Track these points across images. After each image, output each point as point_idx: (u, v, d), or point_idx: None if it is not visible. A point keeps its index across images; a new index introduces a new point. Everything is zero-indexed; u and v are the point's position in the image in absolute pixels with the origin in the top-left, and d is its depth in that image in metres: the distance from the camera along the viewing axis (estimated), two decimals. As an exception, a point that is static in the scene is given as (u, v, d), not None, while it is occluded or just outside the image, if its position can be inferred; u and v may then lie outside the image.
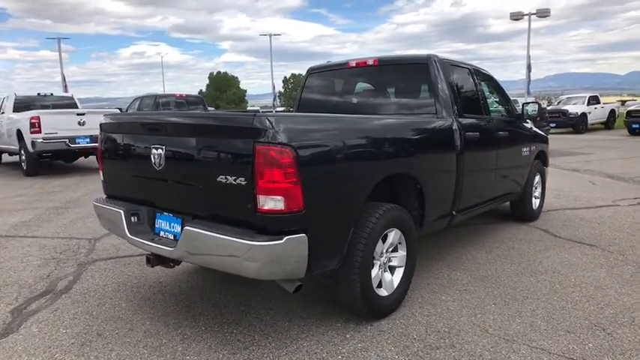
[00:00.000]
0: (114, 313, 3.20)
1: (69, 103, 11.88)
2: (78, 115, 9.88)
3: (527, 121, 5.32)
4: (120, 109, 12.61)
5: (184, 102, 13.52)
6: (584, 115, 19.98)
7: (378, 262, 3.00)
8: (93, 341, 2.80)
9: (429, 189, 3.40)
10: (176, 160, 2.71)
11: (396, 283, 3.15)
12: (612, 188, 7.69)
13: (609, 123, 21.84)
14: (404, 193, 3.34)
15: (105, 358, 2.61)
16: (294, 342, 2.78)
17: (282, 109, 39.86)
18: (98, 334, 2.90)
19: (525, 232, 5.15)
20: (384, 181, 2.97)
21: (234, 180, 2.37)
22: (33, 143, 9.39)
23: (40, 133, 9.39)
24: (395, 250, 3.17)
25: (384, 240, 3.02)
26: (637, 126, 17.38)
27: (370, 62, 4.19)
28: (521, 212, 5.47)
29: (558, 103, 21.94)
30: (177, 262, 2.95)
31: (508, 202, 5.34)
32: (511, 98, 5.37)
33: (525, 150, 5.12)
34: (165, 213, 2.90)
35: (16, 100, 11.24)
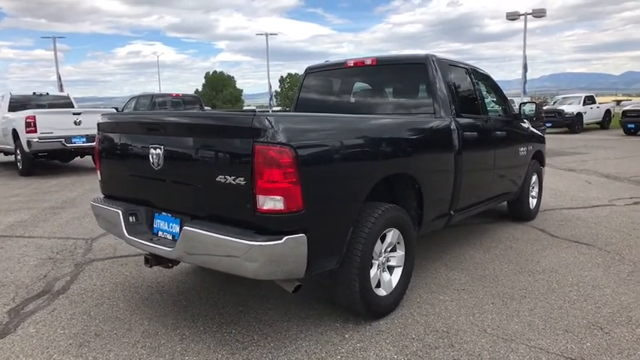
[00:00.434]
0: (112, 313, 3.19)
1: (65, 103, 11.82)
2: (74, 114, 9.83)
3: (525, 121, 5.34)
4: (116, 109, 12.56)
5: (181, 101, 13.48)
6: (579, 115, 20.06)
7: (377, 262, 3.00)
8: (91, 342, 2.79)
9: (428, 189, 3.41)
10: (174, 160, 2.70)
11: (394, 283, 3.16)
12: (608, 188, 7.73)
13: (605, 123, 21.94)
14: (402, 193, 3.34)
15: (103, 359, 2.60)
16: (293, 342, 2.77)
17: (278, 108, 39.76)
18: (96, 334, 2.88)
19: (522, 231, 5.16)
20: (383, 180, 2.98)
21: (234, 180, 2.37)
22: (29, 143, 9.34)
23: (36, 132, 9.34)
24: (393, 249, 3.18)
25: (382, 240, 3.03)
26: (632, 126, 17.47)
27: (368, 62, 4.19)
28: (518, 212, 5.49)
29: (554, 103, 22.02)
30: (175, 262, 2.95)
31: (505, 202, 5.36)
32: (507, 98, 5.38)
33: (522, 150, 5.13)
34: (163, 213, 2.89)
35: (11, 99, 11.18)
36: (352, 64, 4.32)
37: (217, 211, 2.55)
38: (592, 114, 21.15)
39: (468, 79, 4.40)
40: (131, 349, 2.70)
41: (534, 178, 5.64)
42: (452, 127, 3.73)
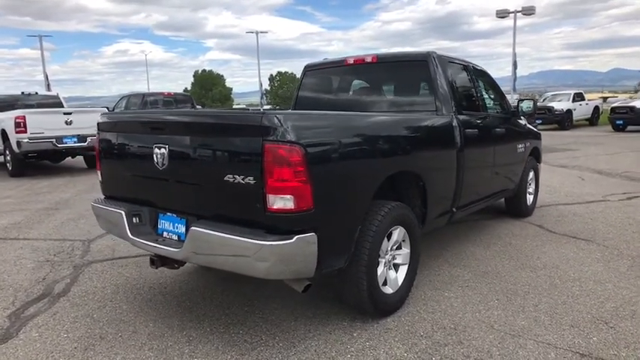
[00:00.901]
0: (115, 315, 3.14)
1: (54, 102, 11.65)
2: (65, 114, 9.70)
3: (522, 117, 5.37)
4: (107, 108, 12.41)
5: (172, 100, 13.36)
6: (569, 111, 20.28)
7: (383, 260, 3.00)
8: (96, 345, 2.75)
9: (432, 186, 3.41)
10: (180, 160, 2.66)
11: (400, 281, 3.16)
12: (601, 184, 7.81)
13: (593, 119, 22.20)
14: (406, 191, 3.34)
15: (110, 362, 2.56)
16: (302, 341, 2.76)
17: (268, 107, 39.62)
18: (101, 337, 2.84)
19: (521, 227, 5.20)
20: (387, 178, 2.97)
21: (243, 179, 2.34)
22: (18, 143, 9.19)
23: (26, 132, 9.19)
24: (399, 247, 3.17)
25: (388, 238, 3.02)
26: (621, 122, 17.69)
27: (368, 59, 4.18)
28: (515, 208, 5.53)
29: (544, 100, 22.23)
30: (181, 263, 2.91)
31: (502, 199, 5.39)
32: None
33: (520, 146, 5.17)
34: (168, 213, 2.85)
35: (-1, 99, 11.00)
36: (352, 62, 4.30)
37: (225, 210, 2.52)
38: (581, 111, 21.38)
39: (467, 75, 4.41)
40: (138, 351, 2.67)
41: (531, 174, 5.68)
42: (454, 124, 3.74)
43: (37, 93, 11.92)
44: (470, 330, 2.89)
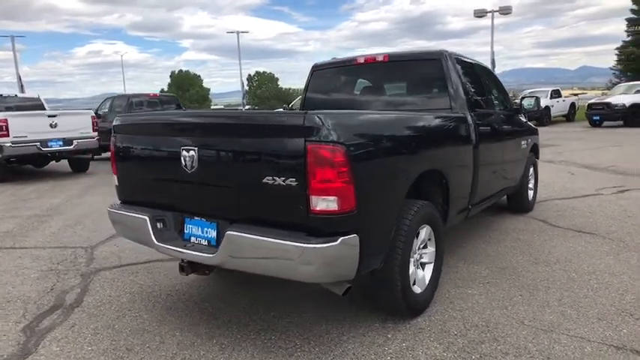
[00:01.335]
0: (137, 325, 3.03)
1: (35, 105, 11.27)
2: (49, 117, 9.38)
3: (523, 114, 5.44)
4: (96, 112, 12.06)
5: (158, 101, 13.10)
6: (547, 108, 20.74)
7: (412, 260, 2.98)
8: (124, 357, 2.64)
9: (453, 183, 3.41)
10: (211, 162, 2.58)
11: (427, 280, 3.14)
12: (590, 178, 8.00)
13: (570, 115, 22.78)
14: (429, 189, 3.32)
15: (144, 374, 2.47)
16: (338, 345, 2.71)
17: (248, 107, 39.18)
18: (128, 349, 2.73)
19: (525, 223, 5.27)
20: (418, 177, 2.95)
21: (284, 181, 2.28)
22: (1, 148, 8.84)
23: (8, 136, 8.84)
24: (425, 246, 3.16)
25: (417, 237, 3.00)
26: (598, 118, 18.19)
27: (380, 58, 4.16)
28: (518, 204, 5.60)
29: (522, 98, 22.66)
30: (212, 268, 2.82)
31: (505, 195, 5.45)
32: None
33: (524, 143, 5.24)
34: (196, 218, 2.76)
35: (-24, 102, 10.58)
36: (363, 61, 4.27)
37: (262, 213, 2.45)
38: (558, 107, 21.91)
39: (475, 73, 4.43)
40: (171, 362, 2.58)
41: (531, 170, 5.77)
42: (469, 121, 3.75)
43: (16, 95, 11.50)
44: (502, 327, 2.89)
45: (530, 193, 5.78)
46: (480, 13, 26.07)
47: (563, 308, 3.12)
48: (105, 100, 13.41)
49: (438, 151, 3.17)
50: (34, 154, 9.19)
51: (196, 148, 2.58)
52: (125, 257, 4.42)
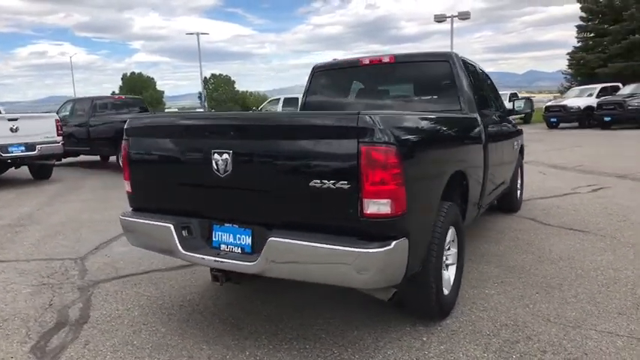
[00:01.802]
0: (158, 340, 2.85)
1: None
2: (9, 120, 8.78)
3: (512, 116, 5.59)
4: (66, 117, 11.43)
5: (123, 104, 12.56)
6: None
7: (443, 262, 2.97)
8: (154, 375, 2.47)
9: (472, 184, 3.44)
10: (249, 166, 2.46)
11: (452, 281, 3.14)
12: (563, 178, 8.34)
13: (527, 117, 23.76)
14: (455, 190, 3.33)
15: (181, 393, 2.31)
16: (377, 351, 2.65)
17: (201, 109, 38.28)
18: (155, 365, 2.56)
19: (517, 222, 5.40)
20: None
21: (333, 184, 2.20)
22: (-45, 154, 8.19)
23: (-35, 142, 8.21)
24: (449, 248, 3.16)
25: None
26: (555, 120, 19.10)
27: (386, 60, 4.14)
28: (508, 203, 5.74)
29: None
30: (247, 277, 2.67)
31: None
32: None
33: (516, 143, 5.38)
34: (227, 224, 2.62)
35: None
36: (368, 62, 4.24)
37: (306, 218, 2.36)
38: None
39: (477, 74, 4.50)
40: (207, 377, 2.43)
41: (518, 170, 5.93)
42: (479, 121, 3.80)
43: (-32, 98, 10.68)
44: (530, 325, 2.93)
45: (519, 192, 5.94)
46: (440, 18, 26.84)
47: (581, 304, 3.20)
48: (65, 103, 12.72)
49: (463, 152, 3.18)
50: (-6, 160, 8.58)
51: (231, 151, 2.45)
52: (122, 268, 4.17)
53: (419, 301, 2.83)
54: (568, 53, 28.20)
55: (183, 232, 2.69)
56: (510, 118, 5.46)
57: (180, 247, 2.64)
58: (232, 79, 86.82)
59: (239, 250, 2.57)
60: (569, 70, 29.08)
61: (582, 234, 4.84)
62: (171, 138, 2.76)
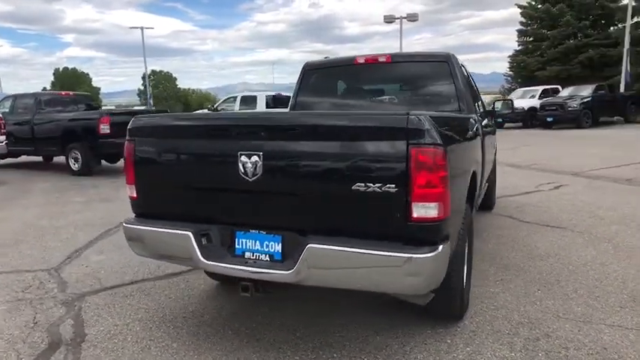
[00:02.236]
0: (171, 357, 2.64)
1: None
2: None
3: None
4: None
5: (71, 100, 11.71)
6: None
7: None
8: (179, 396, 2.28)
9: (478, 182, 3.47)
10: (282, 169, 2.32)
11: (465, 281, 3.15)
12: (522, 176, 8.74)
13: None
14: (469, 191, 3.35)
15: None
16: (406, 356, 2.61)
17: (142, 107, 36.59)
18: (177, 385, 2.36)
19: (495, 219, 5.56)
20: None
21: (379, 187, 2.12)
22: None
23: None
24: (463, 248, 3.17)
25: (461, 239, 3.00)
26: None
27: (383, 59, 4.11)
28: (486, 200, 5.87)
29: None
30: (280, 286, 2.51)
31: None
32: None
33: (495, 142, 5.54)
34: (252, 230, 2.46)
35: None
36: (363, 61, 4.19)
37: (345, 222, 2.26)
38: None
39: (466, 74, 4.58)
40: (239, 395, 2.27)
41: (495, 167, 6.13)
42: (477, 121, 3.85)
43: None
44: (544, 322, 2.99)
45: (494, 189, 6.14)
46: (389, 19, 27.42)
47: (584, 299, 3.32)
48: (3, 100, 11.71)
49: (476, 152, 3.21)
50: None
51: (261, 154, 2.30)
52: (105, 278, 3.86)
53: (445, 302, 2.81)
54: (509, 56, 29.84)
55: (202, 239, 2.50)
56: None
57: (200, 256, 2.45)
58: (174, 75, 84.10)
59: (267, 258, 2.43)
60: (510, 72, 30.77)
61: (560, 230, 5.05)
62: (188, 139, 2.55)
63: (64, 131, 10.06)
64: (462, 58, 4.24)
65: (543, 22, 27.58)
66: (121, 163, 11.14)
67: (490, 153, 4.89)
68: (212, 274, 3.54)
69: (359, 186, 2.15)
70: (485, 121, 4.80)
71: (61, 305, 3.35)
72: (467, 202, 3.02)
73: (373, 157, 2.16)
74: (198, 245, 2.47)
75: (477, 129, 3.62)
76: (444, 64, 3.91)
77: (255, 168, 2.32)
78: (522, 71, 25.88)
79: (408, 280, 2.12)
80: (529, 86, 23.15)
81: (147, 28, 34.78)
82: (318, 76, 4.47)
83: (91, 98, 13.06)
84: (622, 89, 20.39)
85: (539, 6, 27.67)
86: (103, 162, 10.66)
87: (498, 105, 5.55)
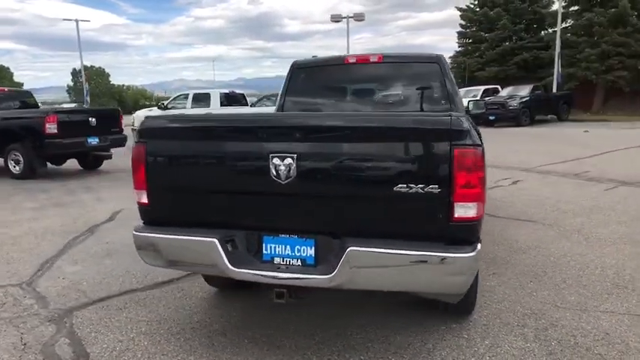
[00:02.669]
0: (192, 371, 2.50)
1: None
2: None
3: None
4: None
5: (6, 97, 10.73)
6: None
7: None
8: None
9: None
10: (319, 171, 2.26)
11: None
12: (479, 171, 9.12)
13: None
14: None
15: None
16: (432, 354, 2.65)
17: (73, 105, 34.41)
18: (208, 401, 2.24)
19: (469, 215, 5.77)
20: None
21: (422, 188, 2.12)
22: None
23: None
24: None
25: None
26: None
27: (374, 59, 4.13)
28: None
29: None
30: (314, 291, 2.43)
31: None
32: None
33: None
34: (281, 235, 2.38)
35: None
36: (354, 61, 4.18)
37: (383, 224, 2.24)
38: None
39: (451, 76, 4.70)
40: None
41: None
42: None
43: None
44: (546, 312, 3.15)
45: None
46: (336, 18, 27.71)
47: (574, 289, 3.52)
48: None
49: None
50: None
51: (295, 155, 2.23)
52: (90, 291, 3.59)
53: (464, 299, 2.86)
54: (450, 57, 31.13)
55: (227, 246, 2.38)
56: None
57: (228, 264, 2.33)
58: (106, 71, 79.93)
59: (299, 263, 2.36)
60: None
61: (532, 224, 5.33)
62: (210, 141, 2.41)
63: (0, 131, 9.24)
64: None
65: (482, 24, 29.07)
66: (69, 165, 10.42)
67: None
68: (210, 281, 3.40)
69: (401, 187, 2.14)
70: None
71: (48, 323, 3.07)
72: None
73: (416, 158, 2.16)
74: (224, 252, 2.35)
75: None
76: (435, 65, 3.98)
77: (289, 170, 2.24)
78: (463, 72, 27.17)
79: (451, 280, 2.15)
80: (470, 86, 24.25)
81: (82, 20, 32.59)
82: (307, 75, 4.41)
83: (30, 94, 12.04)
84: (554, 89, 21.93)
85: (478, 9, 29.12)
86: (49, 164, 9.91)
87: (470, 105, 5.77)
